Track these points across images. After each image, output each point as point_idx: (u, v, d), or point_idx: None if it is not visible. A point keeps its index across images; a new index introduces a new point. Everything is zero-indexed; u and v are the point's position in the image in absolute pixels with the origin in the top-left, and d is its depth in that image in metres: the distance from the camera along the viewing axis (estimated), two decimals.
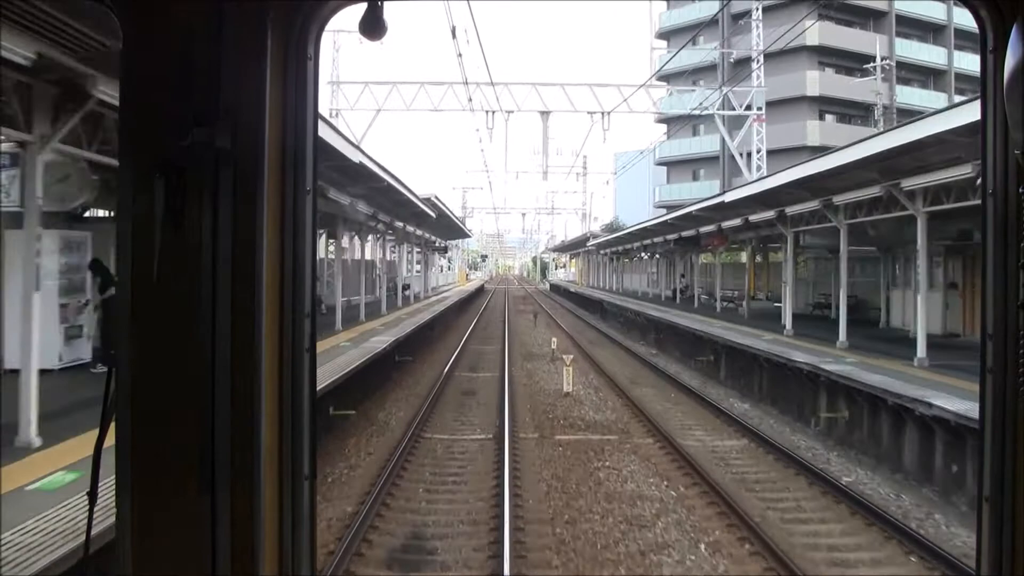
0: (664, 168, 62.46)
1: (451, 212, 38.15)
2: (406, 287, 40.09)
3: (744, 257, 41.34)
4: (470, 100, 32.65)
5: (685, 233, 33.67)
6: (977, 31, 1.75)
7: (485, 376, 21.94)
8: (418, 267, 48.53)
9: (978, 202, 1.75)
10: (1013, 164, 1.59)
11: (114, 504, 1.56)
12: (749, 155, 39.68)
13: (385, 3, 1.70)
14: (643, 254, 50.10)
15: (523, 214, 66.49)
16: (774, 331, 22.60)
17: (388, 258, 40.22)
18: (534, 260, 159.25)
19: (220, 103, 1.54)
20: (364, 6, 1.71)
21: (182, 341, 1.55)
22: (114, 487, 1.56)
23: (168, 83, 1.55)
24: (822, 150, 28.55)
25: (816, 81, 51.33)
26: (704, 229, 30.48)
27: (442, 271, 66.17)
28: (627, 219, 70.82)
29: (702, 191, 54.44)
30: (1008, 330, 1.60)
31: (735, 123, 41.76)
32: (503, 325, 38.19)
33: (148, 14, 1.57)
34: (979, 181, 1.75)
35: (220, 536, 1.55)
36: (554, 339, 30.31)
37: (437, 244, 47.12)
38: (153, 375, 1.56)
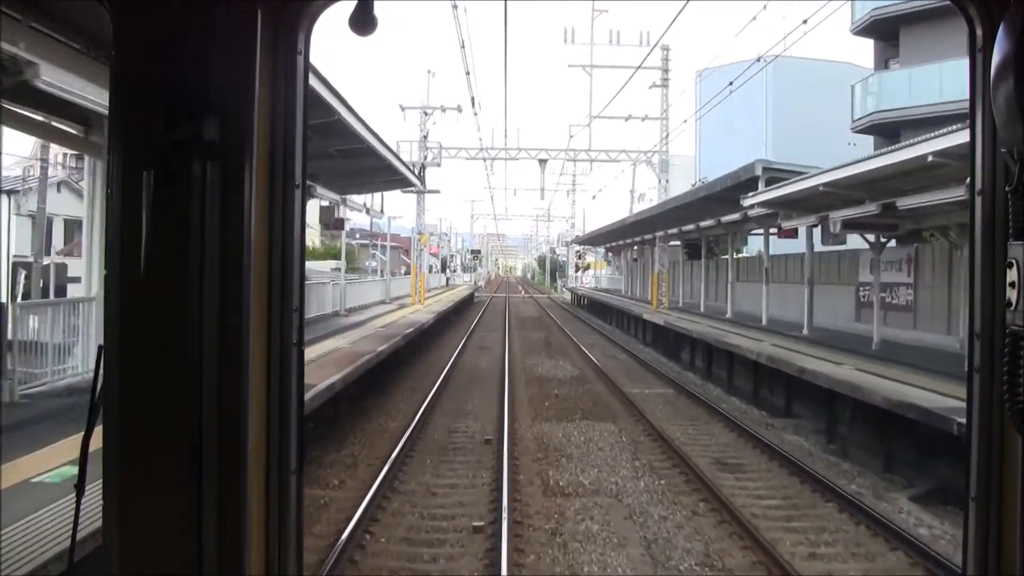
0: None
1: None
2: None
3: None
4: None
5: None
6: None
7: None
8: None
9: None
10: (1001, 162, 1.57)
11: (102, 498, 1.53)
12: None
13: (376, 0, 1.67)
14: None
15: (541, 160, 33.41)
16: None
17: None
18: (540, 260, 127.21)
19: (209, 97, 1.53)
20: (355, 3, 1.67)
21: (170, 335, 1.54)
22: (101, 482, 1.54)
23: (158, 76, 1.54)
24: None
25: None
26: None
27: (380, 274, 33.76)
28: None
29: None
30: (995, 329, 1.59)
31: None
32: None
33: (139, 7, 1.57)
34: (968, 180, 1.72)
35: (206, 531, 1.53)
36: None
37: None
38: (140, 369, 1.55)
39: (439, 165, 32.44)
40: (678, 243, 35.30)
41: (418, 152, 32.27)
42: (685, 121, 30.39)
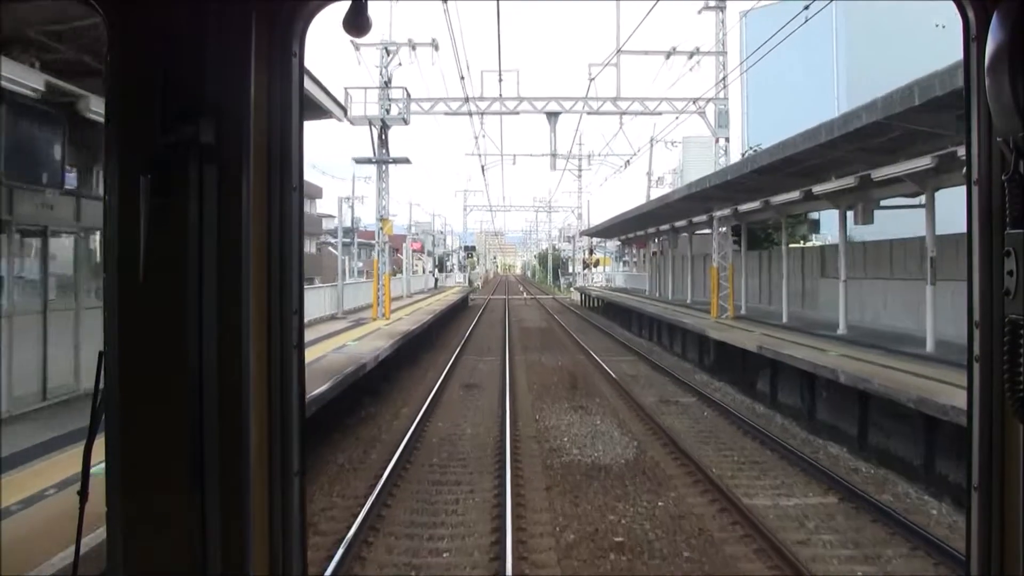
0: None
1: None
2: None
3: None
4: None
5: None
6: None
7: None
8: None
9: None
10: (997, 152, 1.57)
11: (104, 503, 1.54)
12: None
13: (370, 0, 1.67)
14: None
15: (551, 113, 24.06)
16: None
17: None
18: (541, 257, 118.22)
19: (205, 100, 1.53)
20: (348, 3, 1.67)
21: (169, 339, 1.54)
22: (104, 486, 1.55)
23: (153, 80, 1.53)
24: None
25: None
26: None
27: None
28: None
29: None
30: (994, 318, 1.57)
31: None
32: None
33: (134, 12, 1.56)
34: (964, 170, 1.71)
35: (210, 534, 1.53)
36: None
37: None
38: (141, 374, 1.55)
39: (406, 122, 23.04)
40: (724, 228, 26.10)
41: (377, 104, 22.86)
42: (748, 58, 20.93)
